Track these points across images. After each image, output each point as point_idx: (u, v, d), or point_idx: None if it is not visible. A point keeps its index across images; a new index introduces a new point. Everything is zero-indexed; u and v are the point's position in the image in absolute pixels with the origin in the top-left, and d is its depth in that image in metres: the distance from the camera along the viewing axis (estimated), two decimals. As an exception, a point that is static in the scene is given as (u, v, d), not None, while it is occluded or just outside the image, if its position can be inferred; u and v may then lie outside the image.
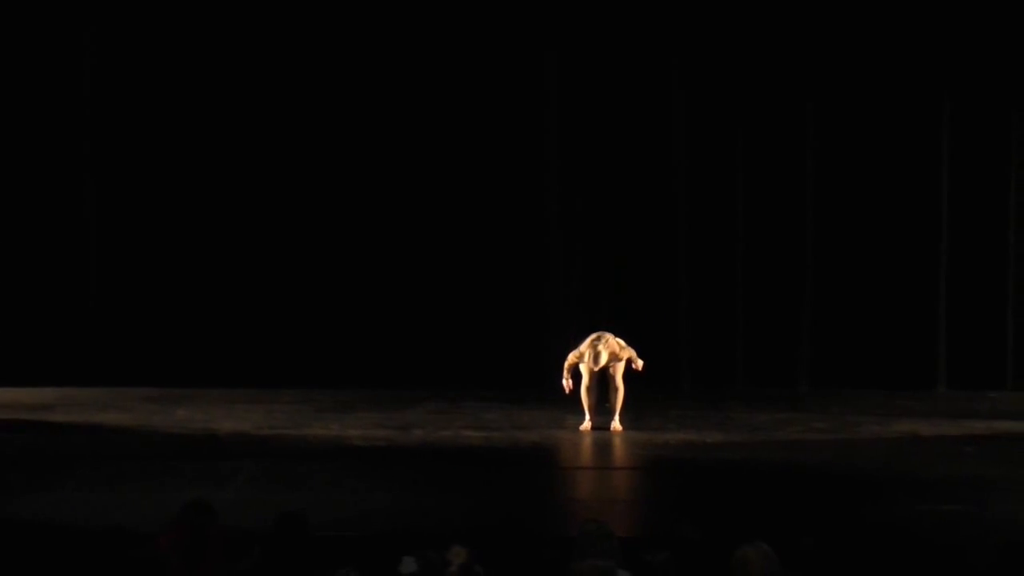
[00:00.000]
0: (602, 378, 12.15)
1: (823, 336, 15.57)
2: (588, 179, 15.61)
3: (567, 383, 12.12)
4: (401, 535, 7.60)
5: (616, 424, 12.13)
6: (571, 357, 12.14)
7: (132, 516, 8.15)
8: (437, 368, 15.24)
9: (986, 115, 15.48)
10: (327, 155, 15.54)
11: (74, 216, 15.60)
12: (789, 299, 15.62)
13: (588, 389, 12.13)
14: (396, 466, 10.70)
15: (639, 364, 12.10)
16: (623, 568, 6.53)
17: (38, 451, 11.31)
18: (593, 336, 12.08)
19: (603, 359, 11.92)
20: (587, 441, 11.90)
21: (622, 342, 12.05)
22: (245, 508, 8.46)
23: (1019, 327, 15.55)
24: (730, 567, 5.92)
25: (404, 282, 15.52)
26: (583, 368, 12.05)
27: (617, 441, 11.86)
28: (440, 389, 14.62)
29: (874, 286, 15.52)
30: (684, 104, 15.61)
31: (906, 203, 15.52)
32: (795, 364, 15.63)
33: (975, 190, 15.54)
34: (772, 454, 11.24)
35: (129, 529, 7.16)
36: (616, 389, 12.08)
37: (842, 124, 15.52)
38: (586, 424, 12.17)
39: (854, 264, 15.55)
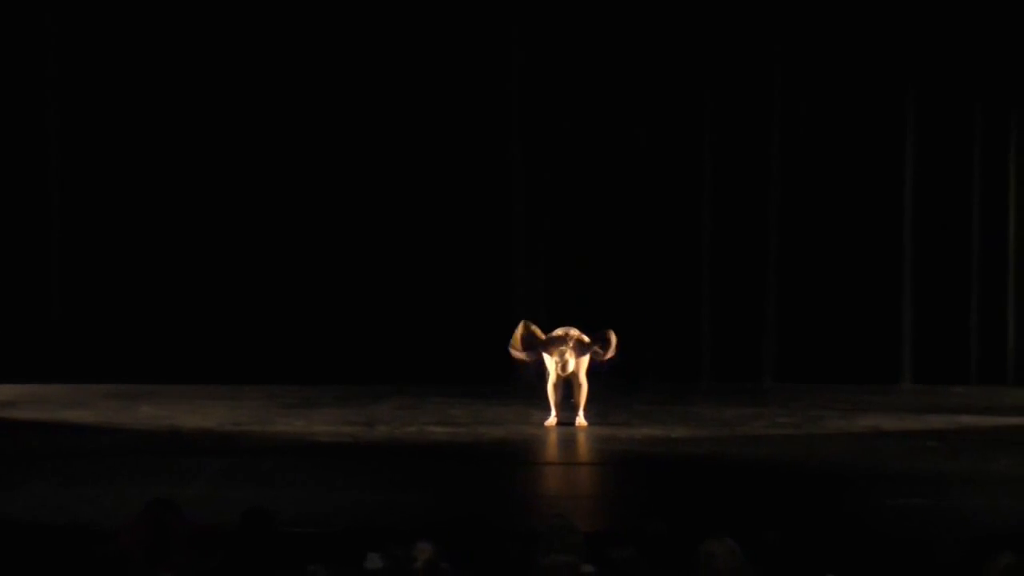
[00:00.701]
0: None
1: (788, 331, 15.63)
2: (552, 176, 15.62)
3: (519, 353, 11.94)
4: (366, 531, 7.58)
5: (581, 419, 12.12)
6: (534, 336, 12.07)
7: (95, 513, 8.11)
8: (402, 364, 15.23)
9: (951, 109, 15.55)
10: (288, 151, 15.50)
11: (36, 211, 15.52)
12: (754, 294, 15.67)
13: (555, 386, 12.10)
14: (361, 462, 10.67)
15: (612, 342, 11.91)
16: (587, 563, 6.53)
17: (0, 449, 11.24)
18: (558, 335, 11.95)
19: (571, 366, 11.89)
20: (552, 437, 11.89)
21: (586, 338, 11.99)
22: (210, 505, 8.43)
23: (984, 322, 15.64)
24: (695, 562, 5.92)
25: (368, 277, 15.51)
26: (549, 364, 12.01)
27: (582, 436, 11.86)
28: (405, 385, 14.61)
29: (839, 281, 15.58)
30: (649, 97, 15.63)
31: (870, 198, 15.59)
32: (760, 359, 15.67)
33: (939, 185, 15.62)
34: (737, 449, 11.26)
35: (92, 526, 7.13)
36: (580, 385, 12.07)
37: (807, 120, 15.58)
38: (552, 420, 12.16)
39: (819, 258, 15.60)
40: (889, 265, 15.62)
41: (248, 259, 15.50)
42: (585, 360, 12.01)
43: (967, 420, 12.90)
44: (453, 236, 15.56)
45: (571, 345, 11.84)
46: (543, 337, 12.00)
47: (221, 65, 15.41)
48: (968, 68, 15.46)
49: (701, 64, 15.53)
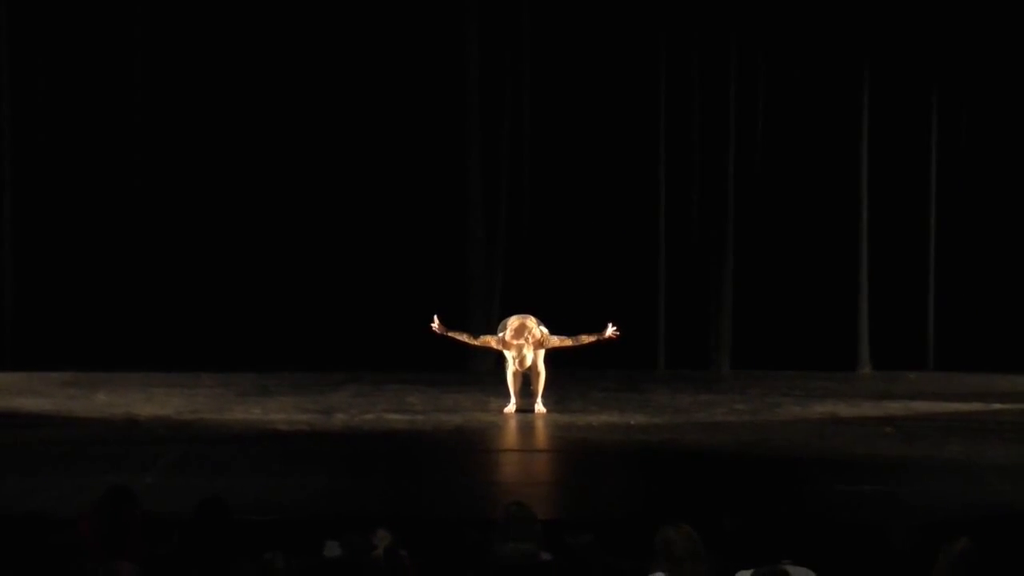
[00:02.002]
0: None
1: (744, 317, 15.67)
2: (510, 159, 15.63)
3: (439, 327, 11.97)
4: (325, 519, 7.57)
5: (539, 407, 12.12)
6: (486, 339, 12.07)
7: (51, 502, 8.08)
8: (359, 351, 15.20)
9: (907, 93, 15.61)
10: (244, 141, 15.43)
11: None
12: (711, 281, 15.70)
13: (515, 374, 12.07)
14: (319, 450, 10.66)
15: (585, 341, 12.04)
16: (545, 551, 6.54)
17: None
18: (514, 327, 11.89)
19: (528, 360, 11.85)
20: (510, 424, 11.90)
21: (544, 329, 11.95)
22: (166, 493, 8.41)
23: (940, 307, 15.71)
24: (653, 548, 5.94)
25: (324, 265, 15.47)
26: (508, 355, 11.97)
27: (540, 423, 11.87)
28: (362, 372, 14.59)
29: (795, 267, 15.64)
30: (604, 77, 15.63)
31: (827, 183, 15.64)
32: (717, 345, 15.71)
33: (896, 169, 15.69)
34: (694, 435, 11.29)
35: (49, 515, 7.10)
36: (538, 374, 12.05)
37: (763, 104, 15.62)
38: (511, 407, 12.15)
39: (775, 244, 15.65)
40: (846, 252, 15.68)
41: (205, 248, 15.44)
42: (542, 351, 11.97)
43: (923, 406, 12.97)
44: (409, 222, 15.54)
45: (529, 341, 11.79)
46: (473, 342, 12.10)
47: (170, 58, 15.35)
48: (924, 52, 15.51)
49: (657, 46, 15.55)
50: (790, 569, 5.64)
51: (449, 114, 15.55)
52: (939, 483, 9.37)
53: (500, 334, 11.94)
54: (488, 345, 12.20)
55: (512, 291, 15.37)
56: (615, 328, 11.93)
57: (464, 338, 12.16)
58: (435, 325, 11.92)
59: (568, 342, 11.99)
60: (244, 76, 15.36)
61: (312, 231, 15.45)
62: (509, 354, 11.92)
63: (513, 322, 11.93)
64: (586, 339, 12.07)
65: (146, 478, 9.07)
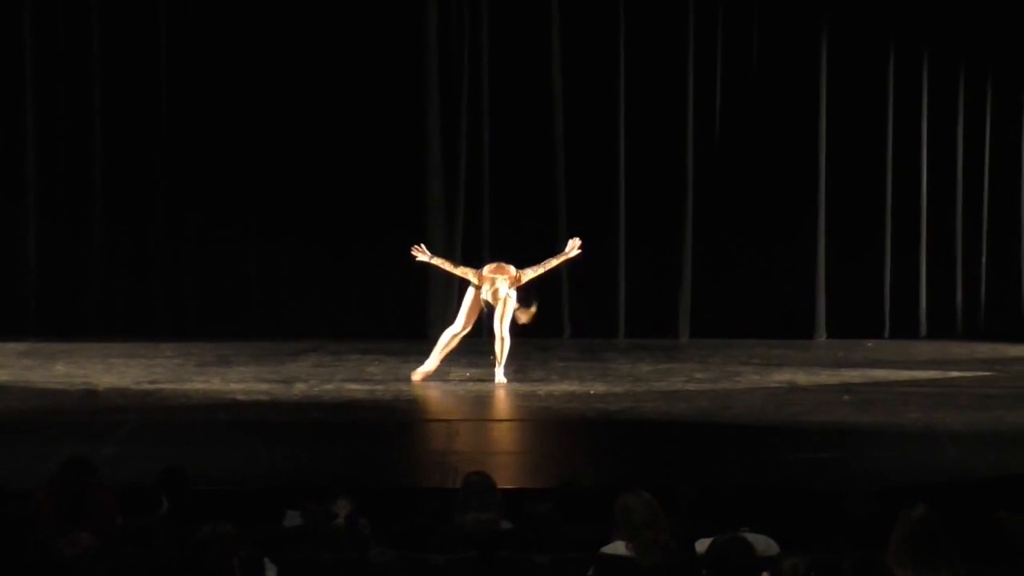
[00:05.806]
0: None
1: (703, 286, 15.71)
2: (470, 122, 15.60)
3: (422, 255, 12.08)
4: (285, 489, 7.57)
5: (499, 376, 12.11)
6: (465, 269, 12.15)
7: (9, 473, 8.04)
8: (319, 321, 15.19)
9: (864, 56, 15.63)
10: (201, 90, 15.36)
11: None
12: (670, 250, 15.73)
13: (455, 335, 12.09)
14: (279, 420, 10.64)
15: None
16: (506, 520, 6.56)
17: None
18: (492, 267, 12.00)
19: (502, 293, 11.78)
20: (471, 394, 11.89)
21: (523, 274, 12.01)
22: (126, 464, 8.39)
23: (896, 277, 15.79)
24: (612, 515, 5.97)
25: (285, 232, 15.43)
26: (484, 289, 11.95)
27: (500, 393, 11.88)
28: (322, 342, 14.57)
29: (754, 236, 15.68)
30: (563, 42, 15.61)
31: (785, 153, 15.67)
32: (676, 314, 15.75)
33: (854, 140, 15.73)
34: (653, 404, 11.32)
35: (6, 486, 7.07)
36: (502, 340, 12.03)
37: (722, 73, 15.63)
38: (426, 367, 12.11)
39: (734, 214, 15.69)
40: (803, 221, 15.73)
41: (165, 214, 15.40)
42: (508, 312, 11.95)
43: (880, 374, 13.05)
44: (370, 191, 15.50)
45: (507, 279, 11.84)
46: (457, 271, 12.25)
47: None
48: (881, 12, 15.53)
49: (616, 8, 15.54)
50: (749, 536, 5.67)
51: (408, 74, 15.49)
52: (896, 450, 9.43)
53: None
54: (466, 276, 12.18)
55: (471, 259, 15.34)
56: (578, 244, 12.24)
57: (446, 266, 12.28)
58: (417, 251, 12.03)
59: (540, 270, 12.12)
60: (212, 33, 15.33)
61: (273, 199, 15.40)
62: (484, 288, 11.90)
63: (490, 265, 12.05)
64: (554, 262, 12.26)
65: (105, 449, 9.05)
